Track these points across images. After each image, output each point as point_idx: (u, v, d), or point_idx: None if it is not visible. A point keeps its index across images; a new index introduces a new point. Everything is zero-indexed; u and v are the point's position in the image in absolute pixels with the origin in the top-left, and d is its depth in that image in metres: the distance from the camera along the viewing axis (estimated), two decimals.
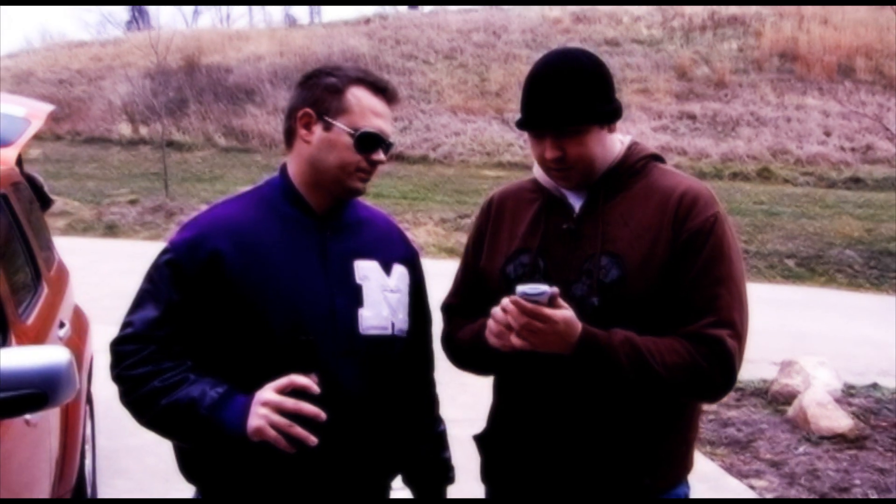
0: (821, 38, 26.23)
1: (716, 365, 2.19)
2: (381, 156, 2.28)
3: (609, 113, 2.30)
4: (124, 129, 24.33)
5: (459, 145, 22.57)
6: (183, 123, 24.04)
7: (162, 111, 21.52)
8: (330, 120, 2.26)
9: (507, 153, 21.96)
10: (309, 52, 27.17)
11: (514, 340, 2.13)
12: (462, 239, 16.04)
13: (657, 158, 2.44)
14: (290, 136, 2.34)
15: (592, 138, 2.28)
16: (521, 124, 2.32)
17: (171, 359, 2.17)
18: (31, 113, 5.26)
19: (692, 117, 23.74)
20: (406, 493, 2.58)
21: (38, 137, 4.60)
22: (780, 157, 21.74)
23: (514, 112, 24.45)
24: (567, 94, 2.22)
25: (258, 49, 28.22)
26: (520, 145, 22.20)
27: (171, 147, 21.59)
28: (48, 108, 5.70)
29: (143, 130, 23.82)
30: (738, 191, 19.44)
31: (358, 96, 2.27)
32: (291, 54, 27.34)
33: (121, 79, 26.47)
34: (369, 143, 2.26)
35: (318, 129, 2.27)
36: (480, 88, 25.39)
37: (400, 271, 2.41)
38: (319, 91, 2.28)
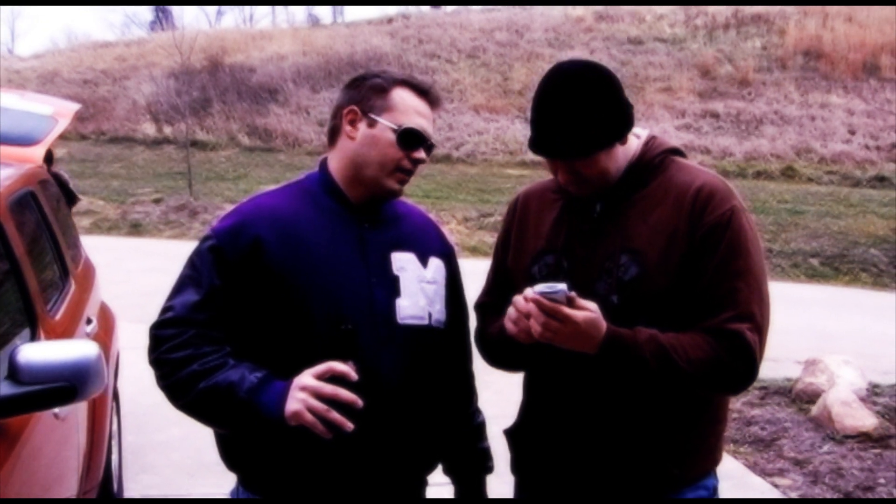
0: (845, 36, 26.06)
1: (737, 359, 2.20)
2: (422, 154, 2.34)
3: (619, 130, 2.30)
4: (149, 128, 24.47)
5: (482, 144, 22.57)
6: (207, 123, 24.14)
7: (186, 111, 21.62)
8: (374, 117, 2.33)
9: (530, 152, 21.88)
10: (332, 52, 27.24)
11: (535, 333, 2.14)
12: (485, 238, 16.07)
13: (676, 152, 2.44)
14: (333, 134, 2.41)
15: (604, 158, 2.29)
16: (533, 148, 2.34)
17: (210, 343, 2.21)
18: (58, 112, 5.31)
19: (715, 116, 23.64)
20: (445, 483, 2.59)
21: (63, 137, 4.67)
22: (805, 155, 21.62)
23: None
24: (575, 125, 2.23)
25: (281, 49, 28.32)
26: None
27: (195, 146, 21.69)
28: (75, 106, 5.76)
29: (168, 130, 23.94)
30: (762, 190, 19.34)
31: (402, 96, 2.35)
32: (314, 54, 27.43)
33: (145, 79, 26.62)
34: (411, 139, 2.33)
35: (362, 126, 2.33)
36: (503, 87, 25.38)
37: (436, 264, 2.46)
38: (365, 90, 2.36)
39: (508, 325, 2.22)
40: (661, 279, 2.24)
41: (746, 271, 2.24)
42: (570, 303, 2.11)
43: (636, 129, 2.40)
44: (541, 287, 2.12)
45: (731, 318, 2.20)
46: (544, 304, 2.10)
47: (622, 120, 2.30)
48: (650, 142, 2.41)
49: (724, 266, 2.23)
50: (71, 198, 5.39)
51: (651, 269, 2.24)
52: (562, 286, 2.11)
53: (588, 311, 2.13)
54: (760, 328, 2.23)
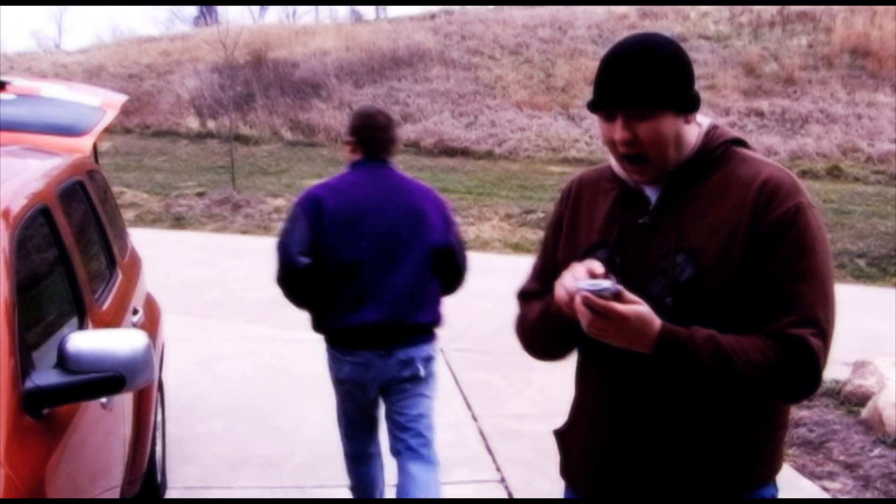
0: (894, 34, 25.65)
1: (800, 365, 2.08)
2: None
3: (685, 100, 2.18)
4: (192, 122, 24.62)
5: (525, 141, 22.46)
6: (250, 117, 24.25)
7: (229, 105, 21.73)
8: None
9: (573, 149, 21.82)
10: (375, 48, 27.28)
11: (585, 330, 2.08)
12: (528, 234, 16.00)
13: (739, 143, 2.32)
14: None
15: (666, 123, 2.15)
16: (592, 105, 2.21)
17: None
18: (106, 102, 5.34)
19: (760, 114, 23.36)
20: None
21: (108, 130, 4.67)
22: (851, 155, 21.31)
23: (580, 108, 24.35)
24: (640, 74, 2.11)
25: (324, 44, 28.38)
26: (585, 141, 22.02)
27: (238, 141, 21.78)
28: (122, 98, 5.78)
29: (211, 124, 24.08)
30: (808, 189, 18.79)
31: None
32: (357, 49, 27.46)
33: (189, 73, 26.80)
34: None
35: None
36: (546, 84, 25.25)
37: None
38: None
39: (560, 291, 2.16)
40: (719, 281, 2.12)
41: (811, 273, 2.11)
42: (618, 297, 2.03)
43: (698, 118, 2.28)
44: (586, 285, 2.04)
45: (793, 322, 2.08)
46: (595, 303, 2.02)
47: (688, 89, 2.20)
48: (711, 131, 2.29)
49: (787, 267, 2.10)
50: None
51: (708, 269, 2.13)
52: (607, 283, 2.03)
53: (636, 304, 2.05)
54: (825, 333, 2.10)
